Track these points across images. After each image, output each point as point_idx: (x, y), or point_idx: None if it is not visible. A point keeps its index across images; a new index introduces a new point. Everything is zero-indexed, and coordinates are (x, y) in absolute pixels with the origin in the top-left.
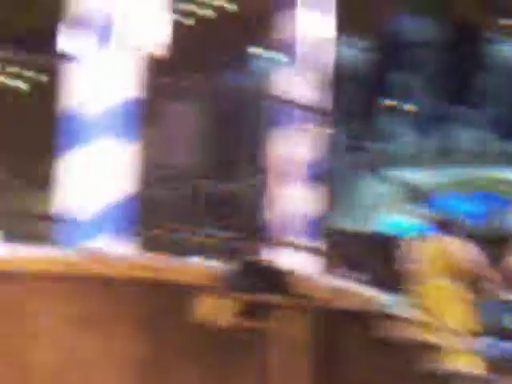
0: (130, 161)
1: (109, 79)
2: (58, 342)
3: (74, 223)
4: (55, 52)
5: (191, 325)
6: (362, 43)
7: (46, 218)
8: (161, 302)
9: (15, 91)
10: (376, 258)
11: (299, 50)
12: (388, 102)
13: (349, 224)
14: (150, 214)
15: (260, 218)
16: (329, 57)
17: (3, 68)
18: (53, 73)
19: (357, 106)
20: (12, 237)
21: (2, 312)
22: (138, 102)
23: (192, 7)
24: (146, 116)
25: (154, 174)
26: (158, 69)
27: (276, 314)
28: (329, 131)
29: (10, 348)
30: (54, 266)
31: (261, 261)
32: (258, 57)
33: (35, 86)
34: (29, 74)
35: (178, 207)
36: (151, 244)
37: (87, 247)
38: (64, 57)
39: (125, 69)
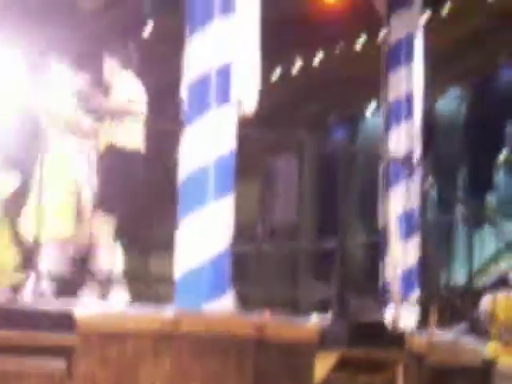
0: (230, 217)
1: (213, 136)
2: None
3: (186, 283)
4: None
5: (300, 382)
6: (462, 94)
7: (166, 280)
8: (266, 361)
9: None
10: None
11: (407, 106)
12: (495, 153)
13: (458, 278)
14: (250, 271)
15: (378, 276)
16: (429, 110)
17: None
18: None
19: (464, 157)
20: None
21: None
22: (239, 157)
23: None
24: (247, 171)
25: (257, 229)
26: (259, 124)
27: (388, 369)
28: (434, 185)
29: None
30: (160, 326)
31: (375, 318)
32: (369, 115)
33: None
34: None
35: (281, 264)
36: (251, 302)
37: (194, 307)
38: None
39: (227, 124)
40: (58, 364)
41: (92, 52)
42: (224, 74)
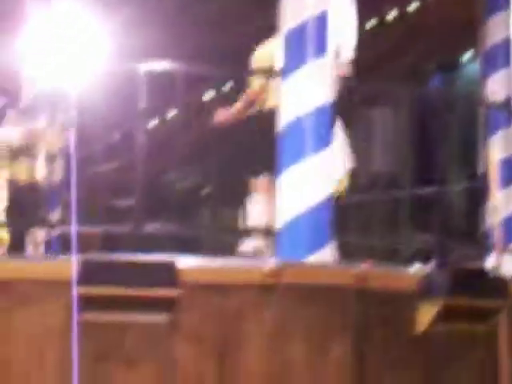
0: (329, 166)
1: (309, 87)
2: (268, 352)
3: (281, 234)
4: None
5: (403, 333)
6: None
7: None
8: (369, 311)
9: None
10: None
11: (505, 52)
12: None
13: None
14: (351, 221)
15: (481, 223)
16: None
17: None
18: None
19: None
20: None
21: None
22: (336, 108)
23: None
24: (344, 122)
25: (355, 180)
26: (356, 75)
27: (491, 317)
28: None
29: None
30: (263, 278)
31: (476, 265)
32: (469, 62)
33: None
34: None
35: (381, 213)
36: (351, 251)
37: (291, 258)
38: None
39: (324, 75)
40: (160, 317)
41: None
42: (320, 23)
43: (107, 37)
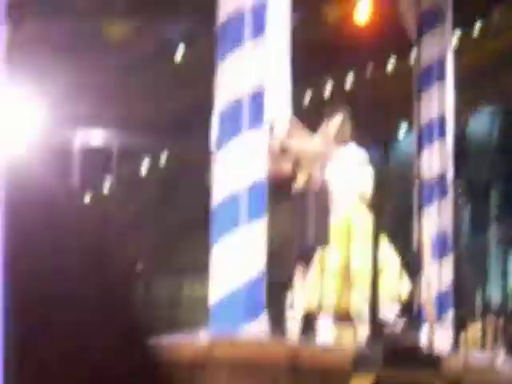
0: (264, 241)
1: (245, 160)
2: None
3: (221, 308)
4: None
5: None
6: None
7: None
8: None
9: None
10: None
11: (440, 127)
12: None
13: (494, 299)
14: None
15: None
16: (458, 128)
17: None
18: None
19: (495, 176)
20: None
21: None
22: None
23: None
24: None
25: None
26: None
27: None
28: (468, 205)
29: None
30: (195, 352)
31: (410, 341)
32: (400, 137)
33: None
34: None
35: None
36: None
37: (228, 332)
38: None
39: (260, 149)
40: None
41: None
42: (257, 98)
43: (42, 108)
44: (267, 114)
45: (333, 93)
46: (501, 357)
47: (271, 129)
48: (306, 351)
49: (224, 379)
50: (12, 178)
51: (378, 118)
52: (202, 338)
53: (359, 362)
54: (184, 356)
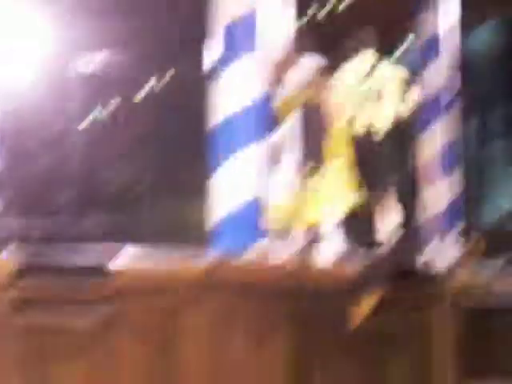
0: (263, 161)
1: (244, 82)
2: (209, 344)
3: (222, 229)
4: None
5: (338, 324)
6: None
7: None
8: (305, 305)
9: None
10: None
11: (438, 41)
12: None
13: (495, 214)
14: None
15: (412, 217)
16: (460, 43)
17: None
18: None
19: (498, 92)
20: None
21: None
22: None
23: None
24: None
25: None
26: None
27: (425, 310)
28: (468, 120)
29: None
30: (198, 276)
31: (411, 259)
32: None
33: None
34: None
35: None
36: None
37: (230, 253)
38: (209, 70)
39: (257, 70)
40: (98, 316)
41: None
42: (250, 21)
43: (40, 29)
44: (261, 37)
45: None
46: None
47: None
48: (305, 272)
49: (228, 300)
50: (11, 100)
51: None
52: (205, 260)
53: (362, 281)
54: (186, 276)
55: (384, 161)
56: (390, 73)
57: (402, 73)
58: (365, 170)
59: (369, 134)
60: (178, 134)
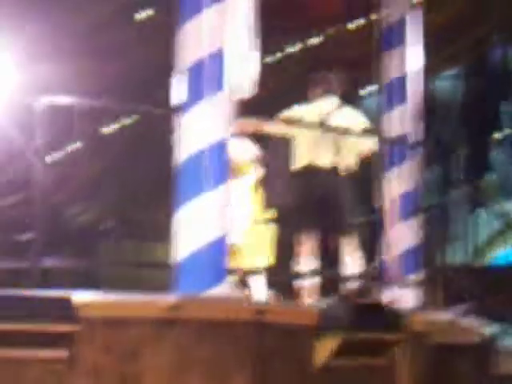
0: (227, 202)
1: (206, 124)
2: None
3: (185, 269)
4: (167, 104)
5: (299, 366)
6: (458, 72)
7: (163, 266)
8: (269, 346)
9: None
10: (487, 289)
11: (401, 88)
12: (492, 132)
13: (458, 258)
14: None
15: (376, 257)
16: (423, 89)
17: (116, 118)
18: (164, 124)
19: (459, 137)
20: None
21: (119, 354)
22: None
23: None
24: None
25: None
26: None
27: (388, 350)
28: (430, 166)
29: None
30: (162, 312)
31: (374, 299)
32: (365, 97)
33: (145, 136)
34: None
35: None
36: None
37: (193, 293)
38: (174, 108)
39: (221, 112)
40: (58, 352)
41: None
42: (217, 60)
43: (6, 70)
44: (228, 77)
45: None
46: (465, 315)
47: (233, 91)
48: (272, 310)
49: (191, 338)
50: None
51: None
52: (168, 298)
53: (325, 321)
54: (151, 315)
55: (347, 202)
56: (351, 118)
57: (362, 119)
58: (328, 211)
59: (331, 174)
60: (142, 172)
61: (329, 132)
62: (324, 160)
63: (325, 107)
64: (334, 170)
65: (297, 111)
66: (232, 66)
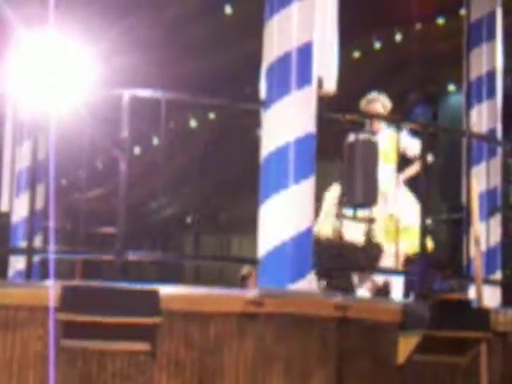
0: (311, 197)
1: (292, 117)
2: (248, 382)
3: (268, 263)
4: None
5: (381, 363)
6: None
7: (247, 260)
8: (350, 342)
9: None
10: None
11: (489, 84)
12: None
13: None
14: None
15: (462, 255)
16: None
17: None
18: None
19: None
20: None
21: (200, 348)
22: (315, 138)
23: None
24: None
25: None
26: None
27: (471, 349)
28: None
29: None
30: (244, 307)
31: (460, 298)
32: (449, 94)
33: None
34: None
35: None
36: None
37: (276, 287)
38: (262, 102)
39: (308, 106)
40: (141, 345)
41: None
42: (305, 53)
43: (92, 64)
44: (316, 70)
45: (383, 49)
46: None
47: (320, 84)
48: (355, 306)
49: (272, 333)
50: (66, 132)
51: (428, 74)
52: (251, 292)
53: (408, 318)
54: (233, 309)
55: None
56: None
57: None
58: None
59: None
60: (227, 166)
61: None
62: None
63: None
64: None
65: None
66: (317, 60)
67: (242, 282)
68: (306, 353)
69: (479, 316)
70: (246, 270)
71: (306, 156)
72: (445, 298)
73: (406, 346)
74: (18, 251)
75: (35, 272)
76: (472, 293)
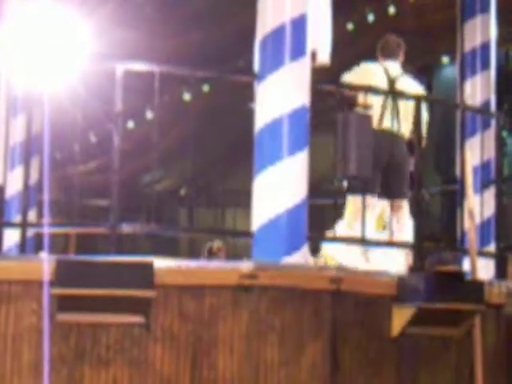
0: (306, 169)
1: (286, 90)
2: (243, 353)
3: (262, 236)
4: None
5: (375, 335)
6: None
7: (241, 233)
8: (344, 314)
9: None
10: None
11: (483, 56)
12: None
13: None
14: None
15: (456, 227)
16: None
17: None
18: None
19: None
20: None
21: (195, 321)
22: (309, 111)
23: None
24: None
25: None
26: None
27: (466, 321)
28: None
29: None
30: (239, 279)
31: (454, 269)
32: (443, 66)
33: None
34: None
35: None
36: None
37: (271, 260)
38: (255, 75)
39: (301, 78)
40: (135, 318)
41: None
42: (299, 26)
43: (86, 36)
44: (309, 42)
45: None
46: None
47: (313, 57)
48: (348, 279)
49: (267, 306)
50: (59, 104)
51: (422, 46)
52: (245, 265)
53: (402, 291)
54: (228, 282)
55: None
56: (412, 87)
57: (421, 89)
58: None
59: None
60: (221, 138)
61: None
62: (388, 124)
63: (390, 70)
64: (398, 135)
65: (368, 68)
66: (311, 33)
67: (209, 256)
68: (300, 325)
69: (473, 288)
70: (216, 244)
71: (300, 128)
72: (439, 271)
73: (400, 318)
74: (12, 225)
75: (29, 246)
76: (466, 265)
